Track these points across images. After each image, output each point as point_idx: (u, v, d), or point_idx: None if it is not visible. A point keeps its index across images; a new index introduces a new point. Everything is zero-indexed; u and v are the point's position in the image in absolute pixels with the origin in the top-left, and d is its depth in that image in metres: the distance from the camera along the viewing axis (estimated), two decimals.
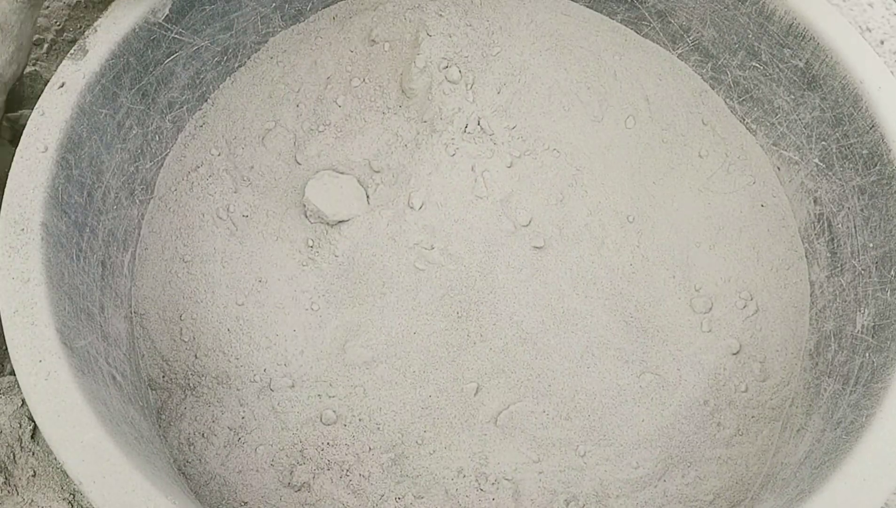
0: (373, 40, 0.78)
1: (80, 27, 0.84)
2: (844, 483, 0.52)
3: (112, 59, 0.64)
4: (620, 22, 0.80)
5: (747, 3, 0.70)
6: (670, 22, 0.76)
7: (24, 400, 0.63)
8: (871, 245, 0.64)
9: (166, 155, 0.72)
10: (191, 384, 0.66)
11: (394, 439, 0.66)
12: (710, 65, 0.77)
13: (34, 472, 0.62)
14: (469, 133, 0.76)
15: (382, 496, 0.64)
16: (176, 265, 0.70)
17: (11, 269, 0.55)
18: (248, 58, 0.76)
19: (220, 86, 0.75)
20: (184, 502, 0.51)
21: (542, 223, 0.74)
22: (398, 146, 0.76)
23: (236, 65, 0.76)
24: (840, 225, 0.68)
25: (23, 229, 0.56)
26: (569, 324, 0.71)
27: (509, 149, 0.76)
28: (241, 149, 0.75)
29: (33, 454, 0.63)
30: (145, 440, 0.58)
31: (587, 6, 0.80)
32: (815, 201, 0.71)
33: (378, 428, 0.66)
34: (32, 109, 0.61)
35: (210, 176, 0.73)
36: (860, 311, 0.64)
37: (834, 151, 0.68)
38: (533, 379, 0.69)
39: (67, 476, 0.63)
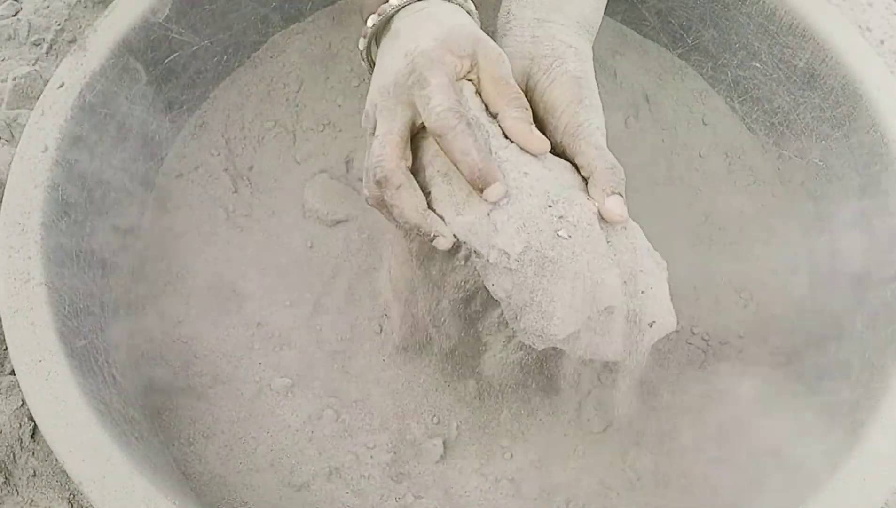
0: None
1: (80, 27, 0.84)
2: (844, 482, 0.52)
3: (112, 58, 0.64)
4: (620, 22, 0.80)
5: (747, 3, 0.70)
6: (670, 22, 0.76)
7: (24, 400, 0.63)
8: (871, 245, 0.64)
9: (166, 155, 0.72)
10: (191, 384, 0.66)
11: (394, 439, 0.66)
12: (710, 65, 0.77)
13: (34, 472, 0.63)
14: None
15: (382, 496, 0.64)
16: (175, 265, 0.70)
17: (11, 269, 0.55)
18: (248, 57, 0.76)
19: (220, 85, 0.75)
20: (184, 502, 0.51)
21: None
22: None
23: (236, 64, 0.76)
24: (840, 225, 0.68)
25: (23, 229, 0.56)
26: None
27: None
28: (241, 149, 0.75)
29: (33, 454, 0.63)
30: (145, 441, 0.58)
31: None
32: (815, 201, 0.71)
33: (378, 428, 0.66)
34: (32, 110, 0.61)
35: (210, 176, 0.73)
36: (860, 311, 0.64)
37: (834, 151, 0.68)
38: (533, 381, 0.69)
39: (67, 476, 0.63)
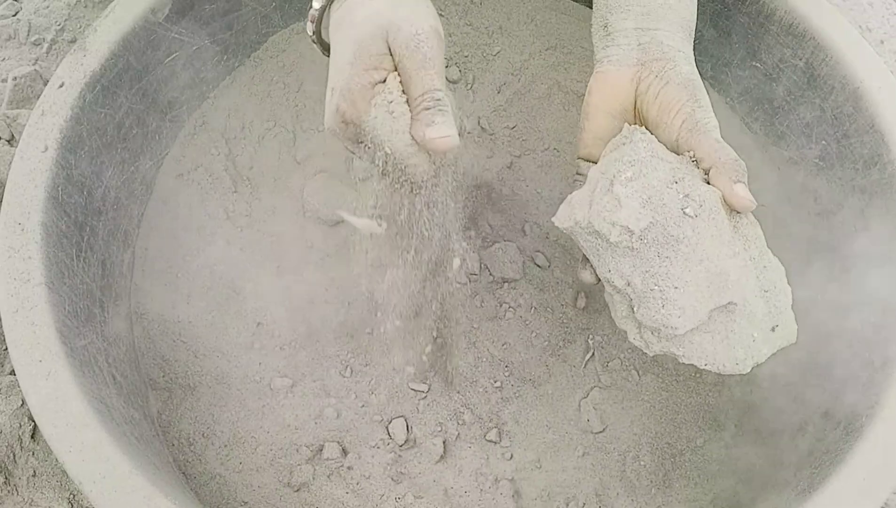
0: None
1: (80, 27, 0.84)
2: (844, 483, 0.52)
3: (112, 58, 0.64)
4: None
5: (747, 3, 0.70)
6: None
7: (24, 400, 0.63)
8: (870, 245, 0.64)
9: (166, 155, 0.72)
10: (191, 384, 0.66)
11: (394, 438, 0.66)
12: (709, 65, 0.77)
13: (34, 472, 0.62)
14: (469, 133, 0.77)
15: (382, 496, 0.64)
16: (175, 265, 0.70)
17: (11, 269, 0.55)
18: (248, 57, 0.76)
19: (220, 85, 0.75)
20: (184, 502, 0.51)
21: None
22: None
23: (236, 64, 0.76)
24: (840, 225, 0.68)
25: (23, 229, 0.56)
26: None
27: (509, 148, 0.76)
28: (241, 149, 0.74)
29: (33, 454, 0.63)
30: (145, 440, 0.58)
31: (587, 6, 0.80)
32: (815, 201, 0.71)
33: (378, 428, 0.66)
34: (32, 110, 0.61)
35: (210, 176, 0.73)
36: (860, 311, 0.64)
37: (834, 151, 0.68)
38: (533, 382, 0.69)
39: (67, 476, 0.63)
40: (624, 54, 0.55)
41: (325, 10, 0.55)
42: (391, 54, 0.51)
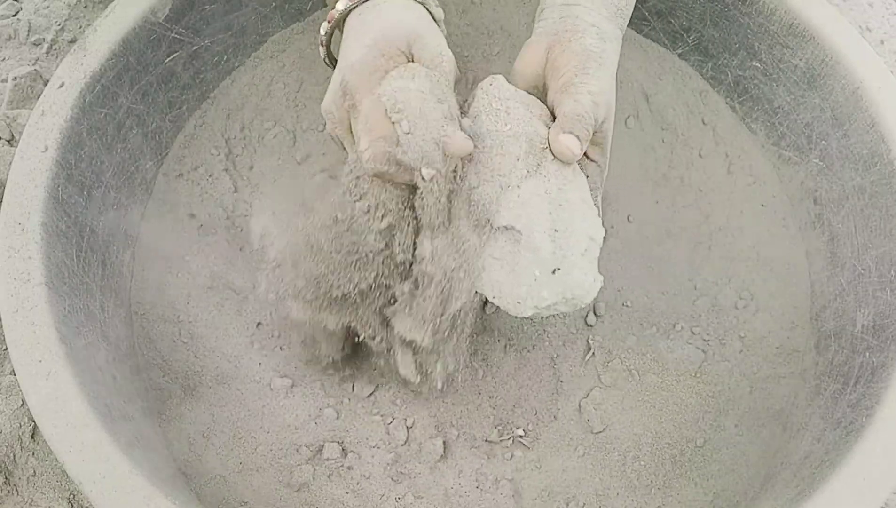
0: None
1: (80, 27, 0.84)
2: (844, 483, 0.52)
3: (112, 58, 0.64)
4: None
5: (747, 3, 0.70)
6: (670, 22, 0.76)
7: (24, 400, 0.63)
8: (871, 245, 0.64)
9: (166, 155, 0.72)
10: (191, 384, 0.66)
11: (394, 439, 0.66)
12: (710, 65, 0.77)
13: (34, 472, 0.62)
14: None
15: (382, 496, 0.64)
16: (175, 265, 0.70)
17: (11, 269, 0.55)
18: (248, 57, 0.76)
19: (220, 85, 0.75)
20: (184, 502, 0.51)
21: None
22: None
23: (236, 64, 0.76)
24: (840, 225, 0.68)
25: (23, 229, 0.56)
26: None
27: None
28: (241, 149, 0.75)
29: (33, 454, 0.63)
30: (145, 440, 0.58)
31: None
32: (815, 201, 0.71)
33: (378, 428, 0.66)
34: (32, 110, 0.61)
35: (210, 176, 0.73)
36: (860, 311, 0.64)
37: (834, 151, 0.68)
38: (533, 382, 0.69)
39: (67, 476, 0.63)
40: (547, 27, 0.57)
41: (348, 13, 0.55)
42: (407, 57, 0.52)
